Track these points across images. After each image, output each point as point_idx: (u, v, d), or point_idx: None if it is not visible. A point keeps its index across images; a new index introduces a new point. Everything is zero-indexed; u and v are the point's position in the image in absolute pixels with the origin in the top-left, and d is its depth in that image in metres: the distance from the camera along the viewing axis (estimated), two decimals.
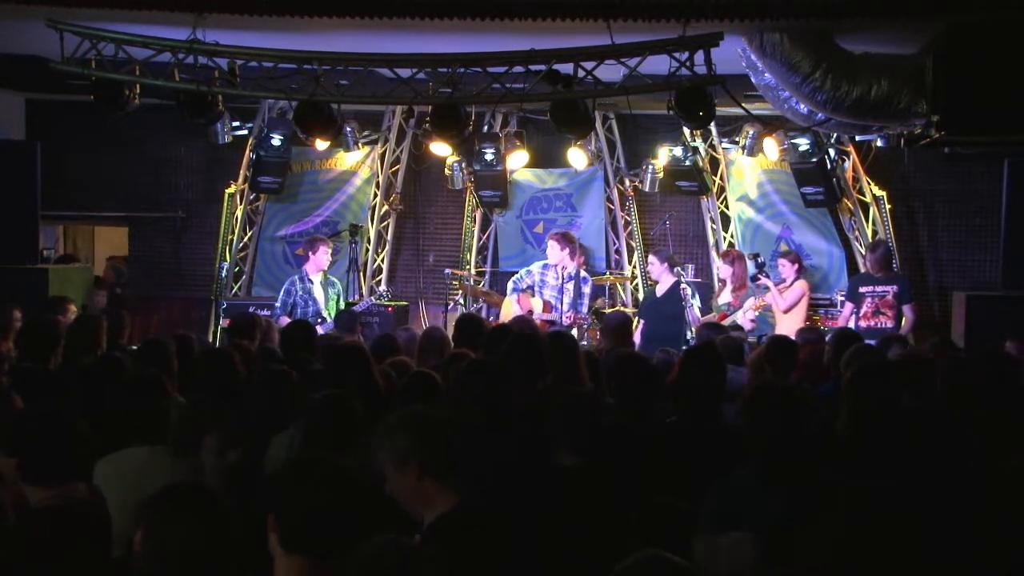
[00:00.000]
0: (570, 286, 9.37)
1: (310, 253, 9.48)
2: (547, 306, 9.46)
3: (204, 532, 2.61)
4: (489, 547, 3.13)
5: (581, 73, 7.60)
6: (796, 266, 9.56)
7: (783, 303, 9.27)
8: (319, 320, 8.99)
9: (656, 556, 2.28)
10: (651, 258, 9.87)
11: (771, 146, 10.24)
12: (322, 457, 2.85)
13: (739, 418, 4.52)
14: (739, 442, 3.79)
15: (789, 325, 9.14)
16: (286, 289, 9.34)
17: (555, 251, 9.48)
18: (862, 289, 9.13)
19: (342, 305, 9.58)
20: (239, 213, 11.38)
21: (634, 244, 11.48)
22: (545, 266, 9.71)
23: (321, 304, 9.30)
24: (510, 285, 9.81)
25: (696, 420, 4.45)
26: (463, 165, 11.25)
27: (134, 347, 6.98)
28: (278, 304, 9.30)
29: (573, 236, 9.83)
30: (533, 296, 9.66)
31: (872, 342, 6.98)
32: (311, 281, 9.36)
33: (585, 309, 9.48)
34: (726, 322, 9.01)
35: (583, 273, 9.63)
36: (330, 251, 9.64)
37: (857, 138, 9.98)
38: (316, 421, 4.03)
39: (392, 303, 10.45)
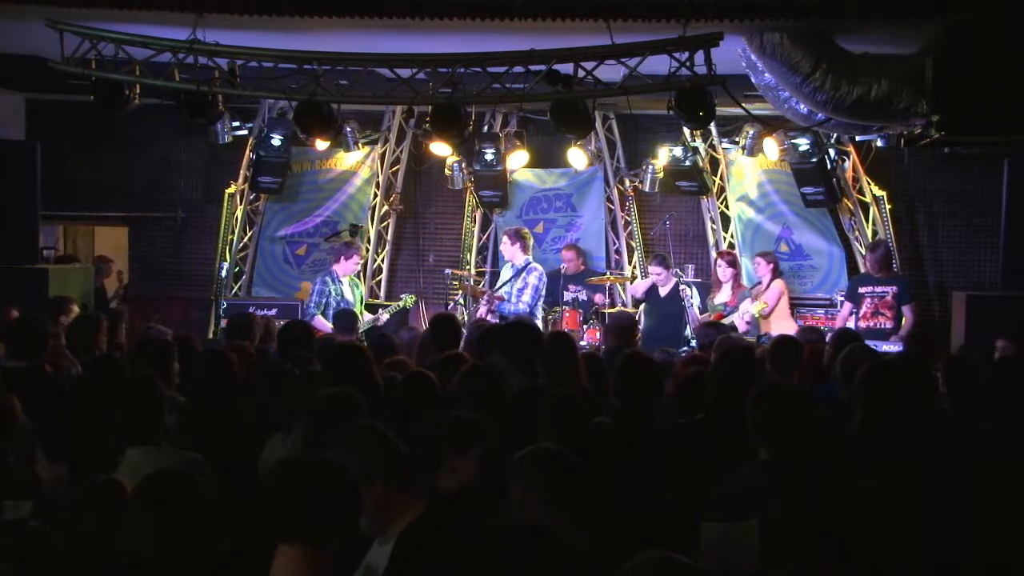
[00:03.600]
0: (527, 278, 9.56)
1: (343, 256, 9.57)
2: (499, 299, 9.66)
3: (178, 517, 2.68)
4: (466, 551, 3.13)
5: (581, 73, 7.60)
6: (771, 265, 9.69)
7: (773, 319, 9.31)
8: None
9: (665, 557, 2.27)
10: (656, 268, 9.86)
11: (771, 146, 10.24)
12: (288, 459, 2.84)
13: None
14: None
15: (775, 324, 9.21)
16: (319, 290, 9.38)
17: (506, 247, 9.81)
18: (862, 289, 9.12)
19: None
20: (239, 213, 11.38)
21: (634, 244, 11.47)
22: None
23: (352, 304, 9.38)
24: None
25: (724, 418, 4.43)
26: (463, 165, 11.24)
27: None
28: (311, 304, 9.34)
29: (524, 232, 9.97)
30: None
31: (872, 342, 6.99)
32: (341, 282, 9.45)
33: (527, 298, 9.48)
34: (723, 322, 9.01)
35: (531, 265, 9.69)
36: (360, 262, 9.81)
37: (857, 138, 9.98)
38: (320, 418, 4.04)
39: (392, 303, 10.47)
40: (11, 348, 5.81)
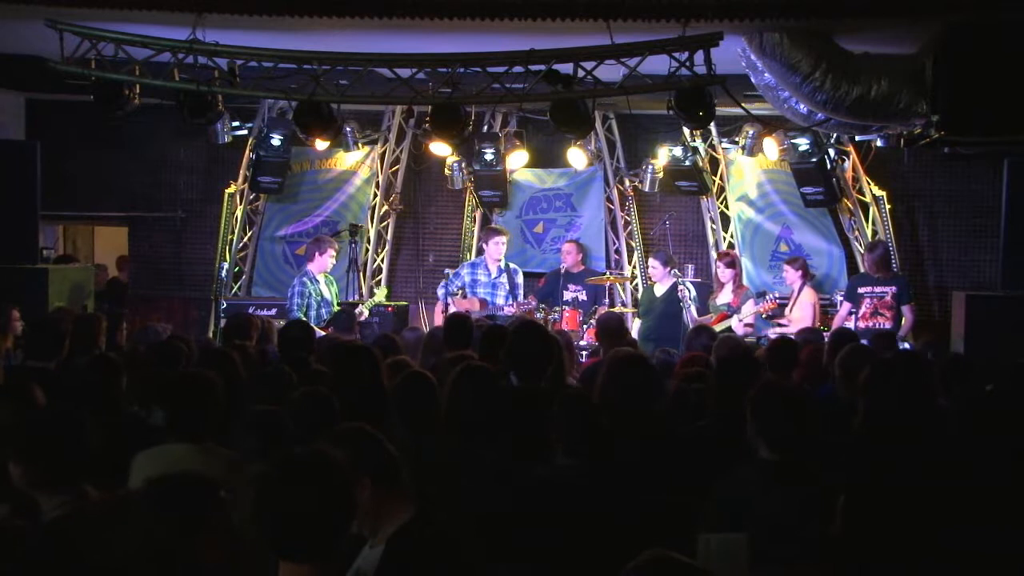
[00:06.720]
0: (504, 279, 9.84)
1: (316, 253, 9.43)
2: (483, 304, 9.81)
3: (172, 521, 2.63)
4: (460, 552, 3.11)
5: (581, 73, 7.60)
6: (800, 272, 9.39)
7: (794, 322, 9.04)
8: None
9: (665, 556, 2.27)
10: (652, 260, 9.93)
11: (771, 146, 10.23)
12: (286, 457, 2.65)
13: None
14: None
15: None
16: (299, 291, 9.19)
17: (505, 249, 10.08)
18: (861, 290, 9.11)
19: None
20: (239, 213, 11.38)
21: (634, 244, 11.47)
22: (473, 265, 10.17)
23: (331, 303, 9.34)
24: (440, 291, 10.10)
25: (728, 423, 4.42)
26: (463, 165, 11.24)
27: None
28: (294, 307, 9.13)
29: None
30: (465, 298, 9.92)
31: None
32: (317, 280, 9.35)
33: (521, 298, 9.83)
34: (724, 323, 9.00)
35: (512, 265, 10.07)
36: (335, 255, 9.65)
37: (857, 138, 9.97)
38: (296, 419, 4.05)
39: (392, 303, 10.47)
40: (31, 349, 5.86)
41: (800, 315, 9.19)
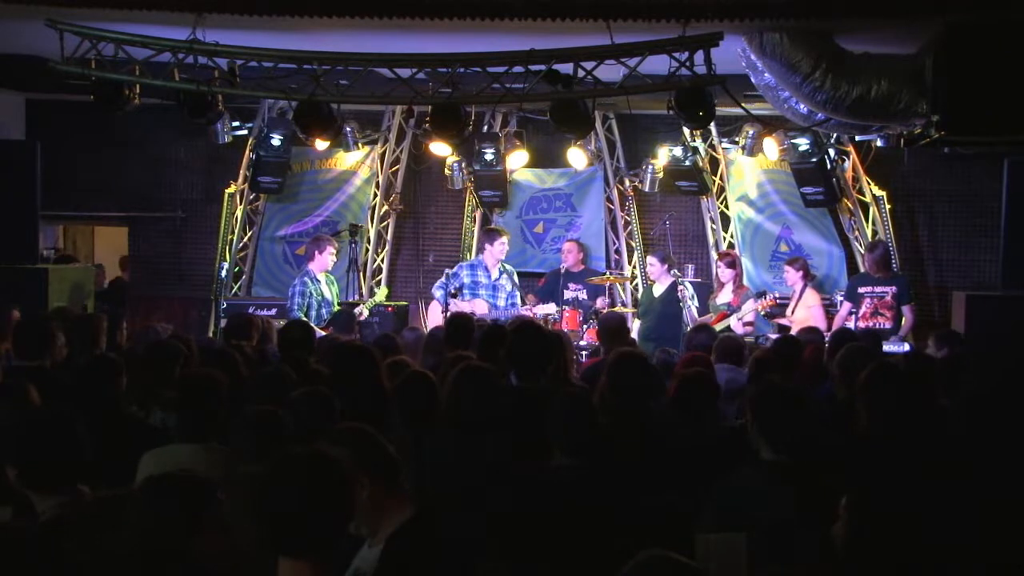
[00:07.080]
0: (505, 280, 9.76)
1: (316, 252, 9.42)
2: (489, 307, 9.74)
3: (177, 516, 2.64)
4: (462, 550, 3.11)
5: (581, 73, 7.60)
6: (801, 273, 9.37)
7: (796, 323, 8.97)
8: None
9: (662, 556, 2.27)
10: (650, 259, 9.93)
11: (771, 146, 10.23)
12: (286, 455, 2.65)
13: (740, 418, 4.53)
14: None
15: None
16: (300, 291, 9.17)
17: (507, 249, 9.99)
18: (861, 289, 9.11)
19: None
20: (239, 213, 11.39)
21: (634, 244, 11.47)
22: (472, 266, 10.02)
23: (332, 303, 9.32)
24: (437, 292, 9.82)
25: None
26: (463, 165, 11.25)
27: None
28: (294, 306, 9.10)
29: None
30: (457, 298, 9.79)
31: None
32: (319, 280, 9.34)
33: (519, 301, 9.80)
34: (724, 323, 9.00)
35: (507, 266, 9.99)
36: (335, 252, 9.64)
37: (857, 138, 9.97)
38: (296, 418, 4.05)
39: (392, 303, 10.47)
40: (19, 349, 5.85)
41: (804, 315, 9.16)
